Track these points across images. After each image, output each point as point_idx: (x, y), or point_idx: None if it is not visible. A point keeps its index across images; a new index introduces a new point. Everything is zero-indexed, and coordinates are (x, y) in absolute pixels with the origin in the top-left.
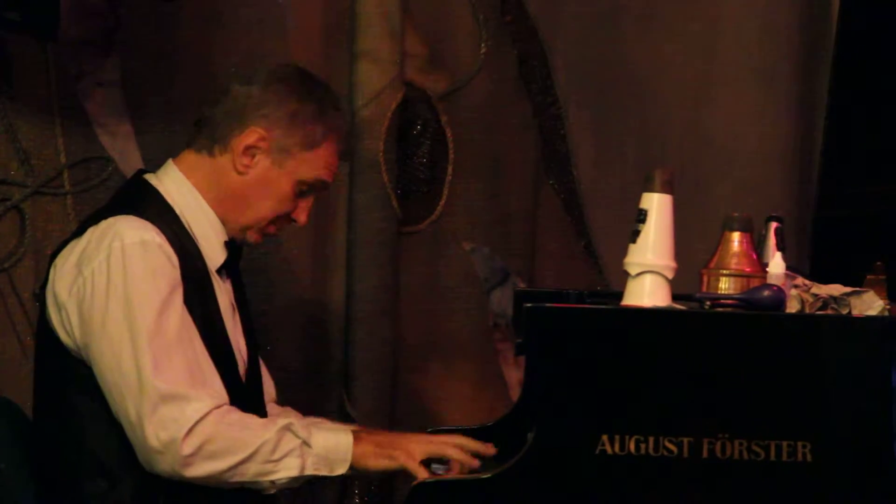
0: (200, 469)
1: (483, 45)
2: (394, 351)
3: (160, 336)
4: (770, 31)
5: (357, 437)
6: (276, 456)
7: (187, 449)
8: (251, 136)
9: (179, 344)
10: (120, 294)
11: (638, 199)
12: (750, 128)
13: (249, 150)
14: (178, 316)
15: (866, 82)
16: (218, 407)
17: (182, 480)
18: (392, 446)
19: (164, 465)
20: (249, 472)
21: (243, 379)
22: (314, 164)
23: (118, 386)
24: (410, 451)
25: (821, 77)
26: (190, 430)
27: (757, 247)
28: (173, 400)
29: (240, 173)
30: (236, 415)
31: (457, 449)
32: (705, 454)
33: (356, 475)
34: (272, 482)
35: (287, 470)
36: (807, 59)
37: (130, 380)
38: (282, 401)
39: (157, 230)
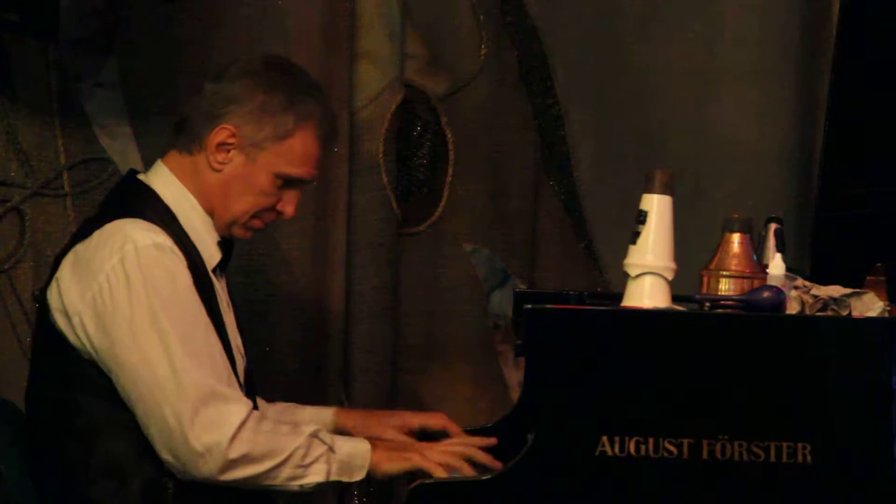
0: (239, 473)
1: (483, 45)
2: (393, 352)
3: (189, 337)
4: (770, 31)
5: (373, 444)
6: (307, 461)
7: (233, 454)
8: (221, 133)
9: (206, 344)
10: (142, 299)
11: (638, 200)
12: (750, 128)
13: (222, 147)
14: (201, 317)
15: (866, 82)
16: (251, 410)
17: (220, 481)
18: (407, 450)
19: (205, 468)
20: (281, 477)
21: (242, 377)
22: (289, 155)
23: (152, 393)
24: (425, 455)
25: (821, 77)
26: (234, 436)
27: (757, 248)
28: (213, 400)
29: (215, 170)
30: (269, 421)
31: (467, 464)
32: (705, 455)
33: (371, 480)
34: (301, 486)
35: (315, 475)
36: (807, 59)
37: (167, 385)
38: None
39: (165, 232)
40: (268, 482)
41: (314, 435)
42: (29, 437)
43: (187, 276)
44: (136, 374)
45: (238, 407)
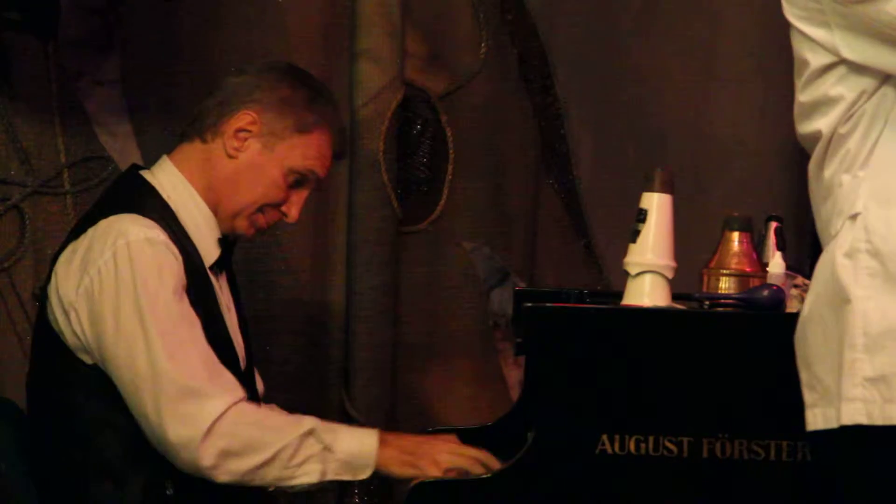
0: (226, 470)
1: (483, 44)
2: (394, 351)
3: (173, 331)
4: (770, 31)
5: (382, 441)
6: (296, 461)
7: (208, 448)
8: (243, 118)
9: (192, 339)
10: (129, 291)
11: (638, 198)
12: (750, 127)
13: (240, 133)
14: (188, 312)
15: None
16: (236, 403)
17: (210, 479)
18: (418, 454)
19: (184, 460)
20: (270, 476)
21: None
22: (305, 150)
23: (134, 383)
24: (437, 462)
25: None
26: (209, 430)
27: (757, 246)
28: (192, 395)
29: (230, 157)
30: (255, 414)
31: (481, 467)
32: (705, 454)
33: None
34: (292, 487)
35: (307, 476)
36: None
37: (146, 375)
38: (282, 401)
39: (160, 228)
40: (258, 481)
41: (309, 433)
42: (29, 437)
43: (178, 272)
44: (120, 367)
45: (216, 402)
